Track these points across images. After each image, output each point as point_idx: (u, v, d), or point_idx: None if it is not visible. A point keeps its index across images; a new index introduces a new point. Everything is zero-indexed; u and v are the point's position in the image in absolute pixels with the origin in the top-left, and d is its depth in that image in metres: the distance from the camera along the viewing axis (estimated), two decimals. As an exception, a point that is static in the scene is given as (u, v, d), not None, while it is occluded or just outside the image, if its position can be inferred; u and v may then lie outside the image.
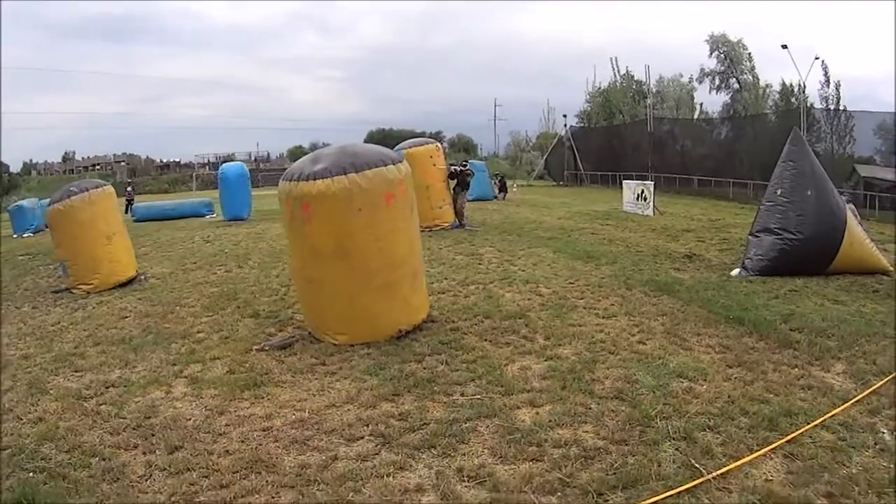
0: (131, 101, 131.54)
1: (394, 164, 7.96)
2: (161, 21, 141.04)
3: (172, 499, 4.57)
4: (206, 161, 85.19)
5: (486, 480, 4.57)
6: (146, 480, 4.86)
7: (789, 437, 4.96)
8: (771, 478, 4.46)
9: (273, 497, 4.52)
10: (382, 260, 7.81)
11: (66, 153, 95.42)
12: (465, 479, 4.62)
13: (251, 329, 8.90)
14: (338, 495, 4.45)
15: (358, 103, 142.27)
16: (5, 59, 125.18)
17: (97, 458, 5.25)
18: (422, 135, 65.54)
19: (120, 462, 5.16)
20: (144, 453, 5.31)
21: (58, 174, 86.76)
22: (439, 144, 20.98)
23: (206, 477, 4.84)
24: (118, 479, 4.89)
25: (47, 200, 32.64)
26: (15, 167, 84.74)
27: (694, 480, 4.37)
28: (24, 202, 32.20)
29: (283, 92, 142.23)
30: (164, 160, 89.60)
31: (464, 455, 4.97)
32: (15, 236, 28.52)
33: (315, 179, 7.52)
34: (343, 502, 4.38)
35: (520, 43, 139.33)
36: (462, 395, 6.16)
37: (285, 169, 8.37)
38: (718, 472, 4.48)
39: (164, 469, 4.99)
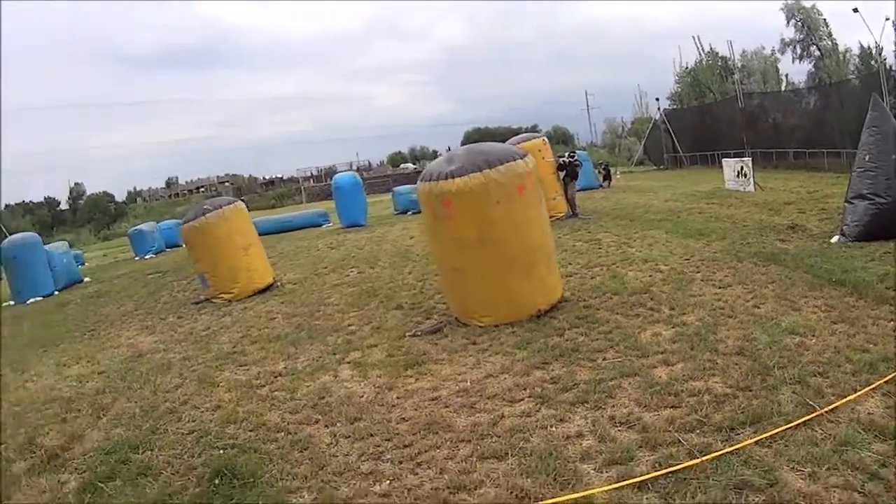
0: (221, 124, 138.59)
1: (521, 159, 8.71)
2: (236, 42, 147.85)
3: (362, 458, 5.37)
4: (309, 174, 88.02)
5: (635, 424, 5.29)
6: (333, 447, 5.67)
7: (887, 378, 5.51)
8: (872, 412, 5.01)
9: (452, 451, 5.27)
10: (521, 246, 8.55)
11: (169, 179, 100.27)
12: (618, 424, 5.34)
13: (399, 319, 9.75)
14: (510, 444, 5.19)
15: (445, 104, 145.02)
16: (93, 96, 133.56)
17: (283, 434, 6.11)
18: (519, 130, 65.99)
19: (305, 434, 6.01)
20: (326, 426, 6.16)
21: (163, 199, 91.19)
22: (545, 138, 21.50)
23: (389, 440, 5.63)
24: (307, 447, 5.72)
25: (165, 223, 35.08)
26: (120, 196, 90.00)
27: (809, 415, 5.00)
28: (144, 226, 34.42)
29: (368, 100, 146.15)
30: (267, 177, 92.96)
31: (613, 406, 5.67)
32: (137, 258, 30.76)
33: (453, 178, 8.34)
34: (515, 449, 5.10)
35: (597, 27, 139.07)
36: (604, 359, 6.85)
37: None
38: (829, 407, 5.09)
39: (349, 437, 5.81)
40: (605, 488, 4.37)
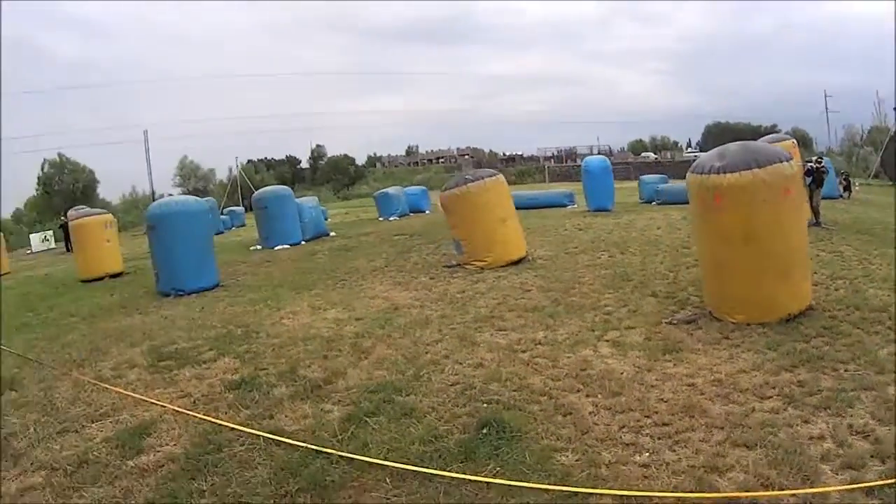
0: (464, 99, 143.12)
1: (787, 162, 8.85)
2: (478, 18, 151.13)
3: (623, 430, 6.00)
4: (550, 154, 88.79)
5: (870, 435, 5.60)
6: (595, 416, 6.32)
7: None
8: None
9: (707, 435, 5.78)
10: (783, 248, 8.75)
11: (409, 147, 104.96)
12: (855, 433, 5.67)
13: (654, 306, 10.24)
14: (759, 436, 5.65)
15: (685, 96, 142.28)
16: (339, 65, 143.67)
17: (545, 397, 6.85)
18: (759, 128, 63.46)
19: (568, 401, 6.70)
20: (588, 396, 6.82)
21: (402, 166, 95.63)
22: (794, 140, 20.83)
23: (648, 416, 6.22)
24: (570, 413, 6.41)
25: (410, 189, 37.11)
26: (360, 160, 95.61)
27: None
28: (390, 189, 36.76)
29: (611, 85, 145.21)
30: (507, 153, 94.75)
31: (851, 416, 5.98)
32: (381, 219, 33.15)
33: (725, 173, 8.64)
34: (764, 441, 5.56)
35: (836, 25, 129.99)
36: (846, 370, 7.08)
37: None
38: None
39: (609, 409, 6.45)
40: (839, 488, 4.77)
